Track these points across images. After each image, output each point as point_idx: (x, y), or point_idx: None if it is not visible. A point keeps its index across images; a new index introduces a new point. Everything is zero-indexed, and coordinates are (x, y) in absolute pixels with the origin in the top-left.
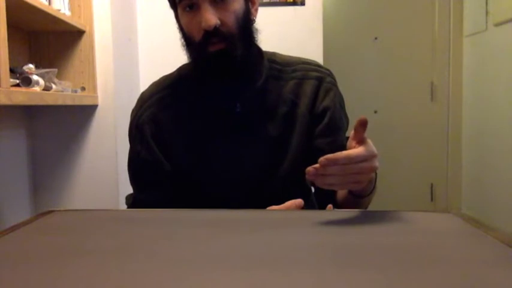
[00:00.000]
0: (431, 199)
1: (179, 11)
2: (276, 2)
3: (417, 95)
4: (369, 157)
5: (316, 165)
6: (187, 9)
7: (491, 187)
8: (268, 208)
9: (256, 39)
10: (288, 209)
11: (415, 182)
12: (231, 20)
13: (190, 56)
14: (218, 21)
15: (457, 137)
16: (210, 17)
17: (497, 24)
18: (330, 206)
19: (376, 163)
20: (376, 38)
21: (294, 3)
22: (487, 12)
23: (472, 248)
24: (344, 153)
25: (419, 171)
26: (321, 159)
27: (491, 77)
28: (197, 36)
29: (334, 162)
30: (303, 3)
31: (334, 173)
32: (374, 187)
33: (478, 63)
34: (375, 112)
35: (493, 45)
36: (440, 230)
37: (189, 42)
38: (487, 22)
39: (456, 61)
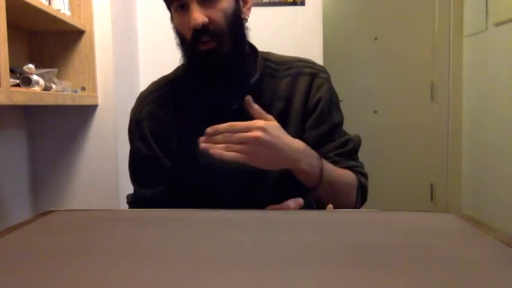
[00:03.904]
0: (431, 199)
1: (172, 11)
2: (276, 2)
3: (417, 95)
4: (251, 127)
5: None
6: (179, 9)
7: (491, 187)
8: (267, 207)
9: (247, 37)
10: (287, 207)
11: (415, 182)
12: (219, 18)
13: (183, 55)
14: (206, 19)
15: (457, 137)
16: (197, 16)
17: (497, 24)
18: (330, 206)
19: (259, 133)
20: (376, 38)
21: (294, 3)
22: (487, 12)
23: (472, 248)
24: (227, 123)
25: (419, 171)
26: (208, 128)
27: (491, 77)
28: (188, 35)
29: (216, 130)
30: (303, 3)
31: (218, 142)
32: (320, 181)
33: (478, 63)
34: (375, 112)
35: (493, 45)
36: (440, 230)
37: (182, 42)
38: (487, 22)
39: (456, 61)
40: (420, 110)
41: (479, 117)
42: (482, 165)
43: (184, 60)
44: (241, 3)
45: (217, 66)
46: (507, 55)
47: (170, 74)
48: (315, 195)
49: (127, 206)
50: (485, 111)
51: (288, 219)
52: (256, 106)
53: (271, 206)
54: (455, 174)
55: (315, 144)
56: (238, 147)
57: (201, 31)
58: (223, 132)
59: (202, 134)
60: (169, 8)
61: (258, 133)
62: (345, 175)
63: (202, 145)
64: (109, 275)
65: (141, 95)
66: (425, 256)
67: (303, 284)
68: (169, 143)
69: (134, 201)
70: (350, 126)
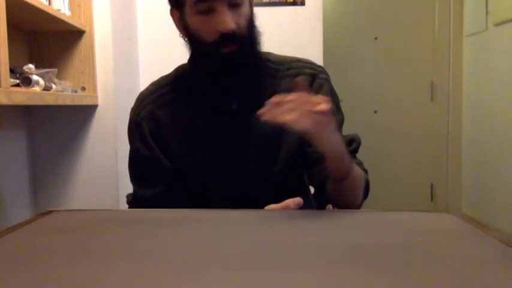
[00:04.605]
0: (431, 199)
1: (188, 11)
2: (276, 2)
3: (417, 95)
4: (319, 100)
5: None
6: (202, 11)
7: (491, 187)
8: (266, 207)
9: (260, 40)
10: (286, 207)
11: (415, 182)
12: (243, 23)
13: (197, 55)
14: (235, 25)
15: (457, 137)
16: (229, 21)
17: (497, 24)
18: (329, 206)
19: (329, 106)
20: (376, 38)
21: (294, 3)
22: (487, 12)
23: (472, 248)
24: (296, 93)
25: (419, 171)
26: (272, 98)
27: (491, 77)
28: (210, 37)
29: (282, 98)
30: (303, 3)
31: (290, 108)
32: (350, 172)
33: (478, 63)
34: (375, 112)
35: (493, 45)
36: (440, 230)
37: (198, 43)
38: (487, 22)
39: (456, 61)
40: (420, 110)
41: (479, 117)
42: (482, 165)
43: (196, 61)
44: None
45: (237, 68)
46: (507, 55)
47: (170, 74)
48: (336, 189)
49: (127, 206)
50: (485, 111)
51: (288, 219)
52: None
53: (270, 206)
54: (455, 174)
55: None
56: (308, 118)
57: (228, 35)
58: (291, 102)
59: (201, 134)
60: (179, 6)
61: (329, 106)
62: (358, 169)
63: (266, 115)
64: (109, 275)
65: (141, 96)
66: (426, 256)
67: (303, 284)
68: (169, 144)
69: (134, 202)
70: (350, 126)
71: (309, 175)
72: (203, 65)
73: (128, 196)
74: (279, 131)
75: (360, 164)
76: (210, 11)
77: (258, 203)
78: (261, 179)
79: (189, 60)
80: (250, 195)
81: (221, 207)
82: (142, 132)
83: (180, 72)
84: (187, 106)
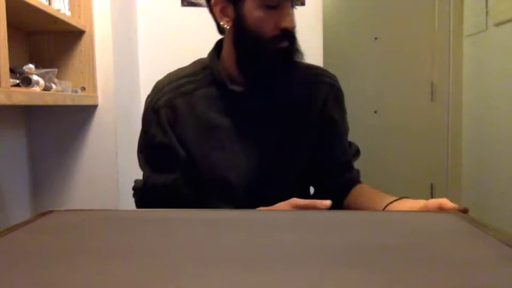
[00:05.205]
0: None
1: (251, 5)
2: None
3: (417, 95)
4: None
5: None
6: (266, 5)
7: (491, 187)
8: (291, 200)
9: None
10: (313, 205)
11: (415, 182)
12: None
13: (249, 47)
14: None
15: (457, 137)
16: (293, 19)
17: (497, 24)
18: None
19: None
20: (376, 38)
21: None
22: (487, 12)
23: (472, 248)
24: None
25: (419, 171)
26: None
27: (491, 77)
28: (271, 32)
29: None
30: (303, 3)
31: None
32: None
33: (478, 63)
34: (375, 112)
35: (493, 45)
36: (441, 230)
37: (254, 35)
38: (487, 22)
39: (456, 61)
40: (420, 110)
41: (479, 117)
42: (482, 165)
43: (245, 52)
44: None
45: (289, 62)
46: (507, 55)
47: (187, 67)
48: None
49: (129, 202)
50: (485, 111)
51: (288, 219)
52: None
53: (295, 200)
54: (455, 174)
55: (345, 159)
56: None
57: (288, 31)
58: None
59: (218, 127)
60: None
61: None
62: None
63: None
64: (109, 275)
65: (159, 84)
66: (425, 256)
67: (303, 284)
68: (185, 133)
69: (145, 187)
70: (350, 126)
71: (329, 181)
72: (254, 56)
73: (136, 181)
74: (295, 131)
75: (358, 172)
76: (276, 7)
77: (269, 199)
78: (271, 176)
79: (210, 54)
80: (262, 191)
81: (231, 200)
82: (160, 119)
83: (199, 66)
84: (205, 99)
